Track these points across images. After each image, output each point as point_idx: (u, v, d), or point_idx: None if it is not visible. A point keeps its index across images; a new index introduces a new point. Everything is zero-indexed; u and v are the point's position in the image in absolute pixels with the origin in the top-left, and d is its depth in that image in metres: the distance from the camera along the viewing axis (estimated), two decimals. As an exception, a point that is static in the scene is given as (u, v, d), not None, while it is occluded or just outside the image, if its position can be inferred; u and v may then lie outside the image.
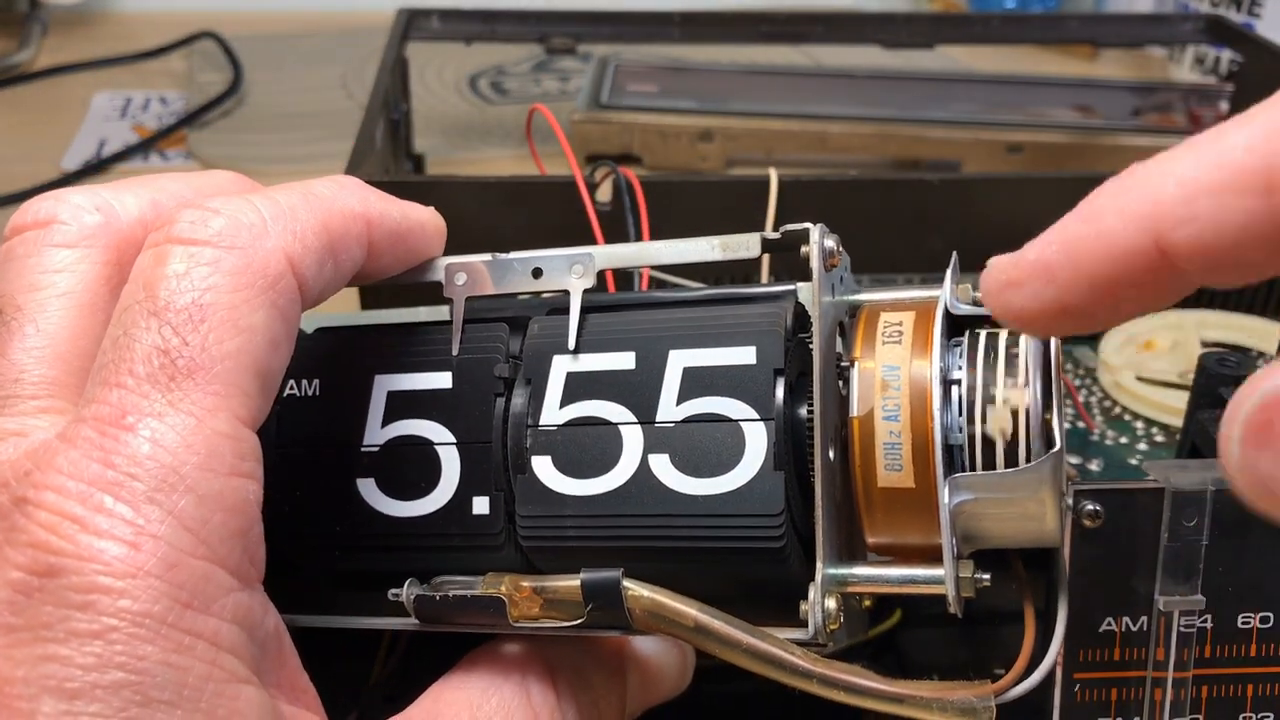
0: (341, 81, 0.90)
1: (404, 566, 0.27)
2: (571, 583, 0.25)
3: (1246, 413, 0.17)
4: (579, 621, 0.25)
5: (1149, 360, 0.48)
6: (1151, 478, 0.28)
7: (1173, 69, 0.96)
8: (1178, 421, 0.44)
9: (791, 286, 0.27)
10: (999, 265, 0.21)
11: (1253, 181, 0.18)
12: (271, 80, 0.90)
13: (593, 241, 0.40)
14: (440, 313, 0.29)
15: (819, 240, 0.26)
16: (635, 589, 0.25)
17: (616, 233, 0.41)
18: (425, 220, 0.28)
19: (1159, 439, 0.45)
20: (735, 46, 0.76)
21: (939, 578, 0.25)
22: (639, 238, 0.42)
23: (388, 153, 0.57)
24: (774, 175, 0.45)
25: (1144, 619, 0.28)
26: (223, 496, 0.21)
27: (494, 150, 0.79)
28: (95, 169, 0.75)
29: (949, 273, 0.26)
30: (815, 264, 0.26)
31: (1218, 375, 0.33)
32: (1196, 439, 0.33)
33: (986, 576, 0.25)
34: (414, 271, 0.28)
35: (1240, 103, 0.68)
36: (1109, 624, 0.28)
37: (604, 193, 0.43)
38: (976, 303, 0.26)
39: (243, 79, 0.88)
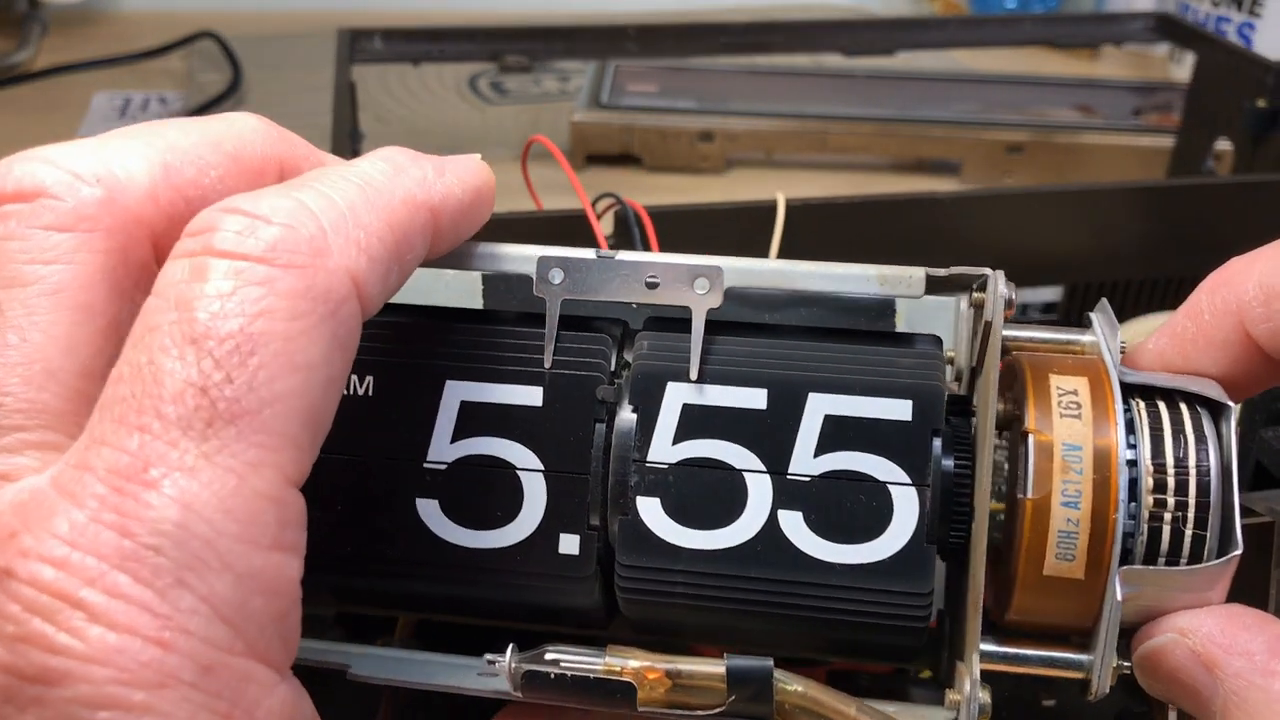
0: (341, 81, 0.90)
1: (462, 593, 0.24)
2: (713, 669, 0.23)
3: (1136, 656, 0.23)
4: (718, 711, 0.23)
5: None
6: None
7: (1173, 69, 0.96)
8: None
9: (931, 333, 0.25)
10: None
11: None
12: (271, 80, 0.90)
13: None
14: (498, 257, 0.25)
15: (996, 289, 0.23)
16: (787, 681, 0.23)
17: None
18: (481, 184, 0.23)
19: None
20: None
21: (1081, 663, 0.23)
22: None
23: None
24: (781, 200, 0.44)
25: None
26: (263, 575, 0.17)
27: (494, 151, 0.79)
28: (95, 169, 0.75)
29: (1102, 332, 0.24)
30: (995, 318, 0.23)
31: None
32: (1261, 458, 0.32)
33: (1129, 664, 0.23)
34: (466, 257, 0.25)
35: (1194, 101, 0.66)
36: None
37: (605, 226, 0.40)
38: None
39: (242, 79, 0.88)
